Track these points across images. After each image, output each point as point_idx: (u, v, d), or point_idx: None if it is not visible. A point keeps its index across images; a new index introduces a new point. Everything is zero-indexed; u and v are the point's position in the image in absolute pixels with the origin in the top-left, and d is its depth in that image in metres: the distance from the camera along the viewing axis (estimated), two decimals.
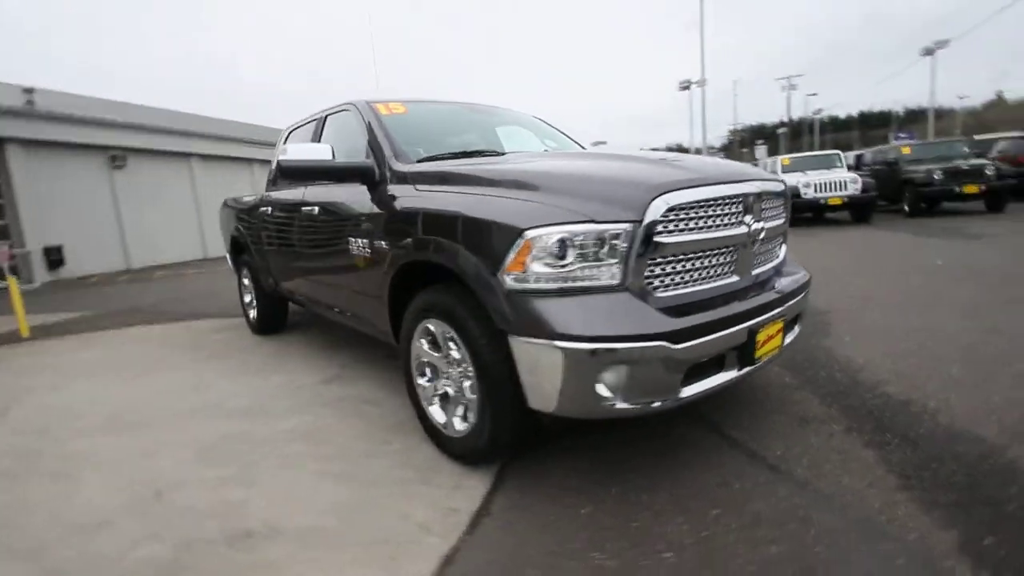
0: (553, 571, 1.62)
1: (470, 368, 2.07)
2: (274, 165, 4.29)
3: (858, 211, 11.12)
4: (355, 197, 2.80)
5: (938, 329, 3.62)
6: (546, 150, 3.47)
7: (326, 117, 3.49)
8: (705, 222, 1.95)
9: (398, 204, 2.44)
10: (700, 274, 1.98)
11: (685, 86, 27.39)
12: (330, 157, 2.66)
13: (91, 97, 13.30)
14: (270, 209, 3.98)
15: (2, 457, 2.65)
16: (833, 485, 1.95)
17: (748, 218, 2.09)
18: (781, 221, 2.43)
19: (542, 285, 1.79)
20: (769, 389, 2.82)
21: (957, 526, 1.69)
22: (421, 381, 2.44)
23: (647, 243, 1.79)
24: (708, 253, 1.99)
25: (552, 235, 1.76)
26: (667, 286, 1.89)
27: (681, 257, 1.91)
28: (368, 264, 2.66)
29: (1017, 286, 4.65)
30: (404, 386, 3.23)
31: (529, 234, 1.78)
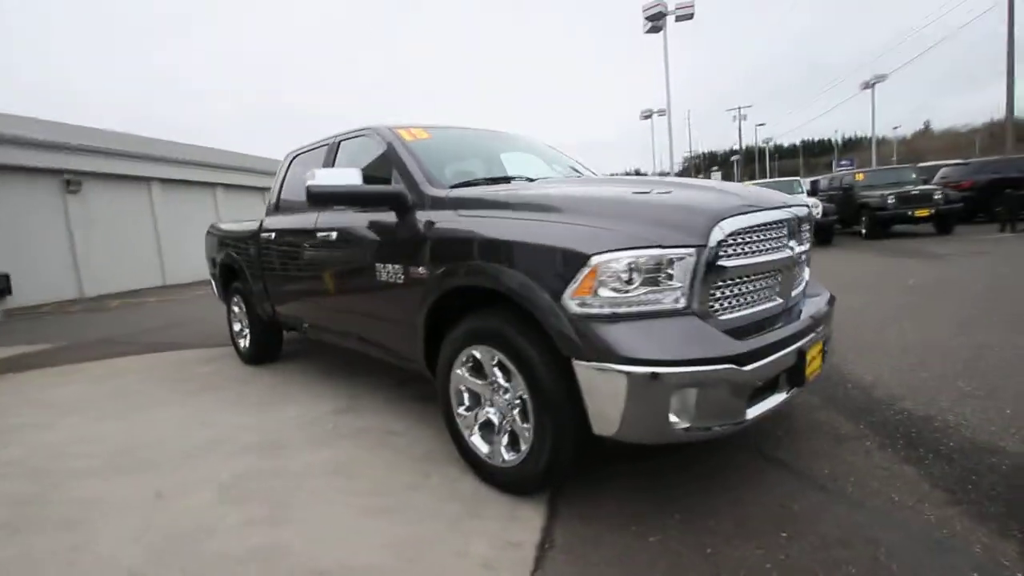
0: None
1: (523, 394, 2.03)
2: (274, 197, 4.17)
3: (821, 234, 11.65)
4: (382, 222, 2.75)
5: (934, 344, 3.79)
6: (580, 175, 3.51)
7: (339, 143, 3.42)
8: (759, 246, 2.00)
9: (440, 230, 2.40)
10: (754, 297, 2.03)
11: (647, 115, 28.41)
12: (359, 182, 2.61)
13: (45, 120, 12.72)
14: (274, 235, 3.86)
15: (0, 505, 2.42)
16: (886, 502, 1.98)
17: (792, 242, 2.16)
18: (809, 244, 2.52)
19: (608, 310, 1.78)
20: (796, 408, 2.88)
21: (1014, 535, 1.75)
22: (460, 410, 2.38)
23: (710, 267, 1.82)
24: (760, 276, 2.04)
25: (620, 260, 1.77)
26: (726, 309, 1.93)
27: (739, 280, 1.95)
28: (401, 290, 2.60)
29: (995, 302, 4.95)
30: (426, 415, 3.15)
31: (596, 260, 1.78)
